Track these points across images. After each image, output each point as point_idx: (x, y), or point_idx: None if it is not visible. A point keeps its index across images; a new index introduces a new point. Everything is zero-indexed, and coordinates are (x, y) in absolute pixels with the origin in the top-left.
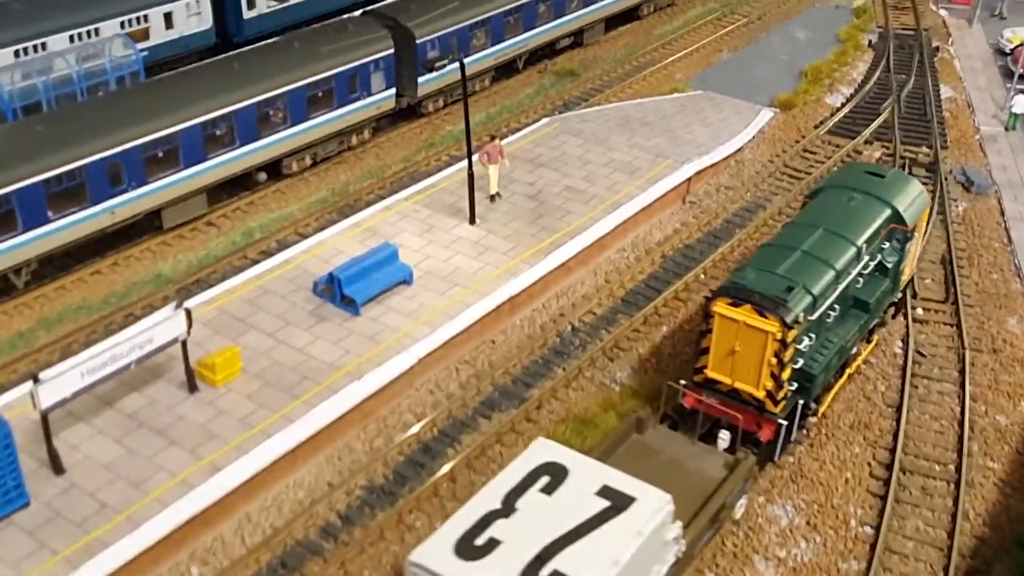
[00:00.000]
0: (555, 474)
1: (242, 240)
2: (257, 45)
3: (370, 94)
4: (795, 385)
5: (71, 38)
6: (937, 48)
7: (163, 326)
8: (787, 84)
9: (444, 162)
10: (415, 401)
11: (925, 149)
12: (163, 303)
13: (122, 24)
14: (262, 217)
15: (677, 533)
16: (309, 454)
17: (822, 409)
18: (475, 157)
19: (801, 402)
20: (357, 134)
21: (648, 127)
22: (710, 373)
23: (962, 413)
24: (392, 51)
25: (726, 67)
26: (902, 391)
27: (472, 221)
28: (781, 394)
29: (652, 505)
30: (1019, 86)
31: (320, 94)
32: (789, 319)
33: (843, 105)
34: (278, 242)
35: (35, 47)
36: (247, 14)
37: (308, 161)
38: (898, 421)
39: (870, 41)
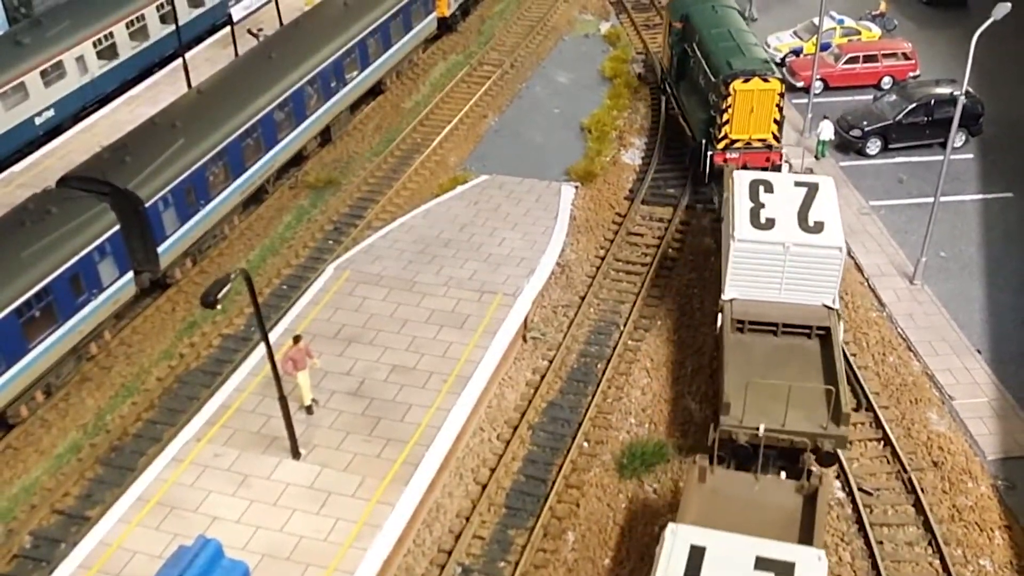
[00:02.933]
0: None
1: None
2: None
3: (101, 290)
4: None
5: None
6: None
7: None
8: (573, 146)
9: (219, 349)
10: None
11: None
12: None
13: None
14: None
15: None
16: None
17: None
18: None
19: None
20: (96, 341)
21: (452, 248)
22: (733, 135)
23: (945, 568)
24: (117, 227)
25: (499, 137)
26: (871, 555)
27: (296, 454)
28: (780, 131)
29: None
30: (815, 100)
31: (36, 315)
32: (781, 78)
33: (645, 163)
34: (33, 537)
35: None
36: None
37: (41, 398)
38: None
39: (639, 74)
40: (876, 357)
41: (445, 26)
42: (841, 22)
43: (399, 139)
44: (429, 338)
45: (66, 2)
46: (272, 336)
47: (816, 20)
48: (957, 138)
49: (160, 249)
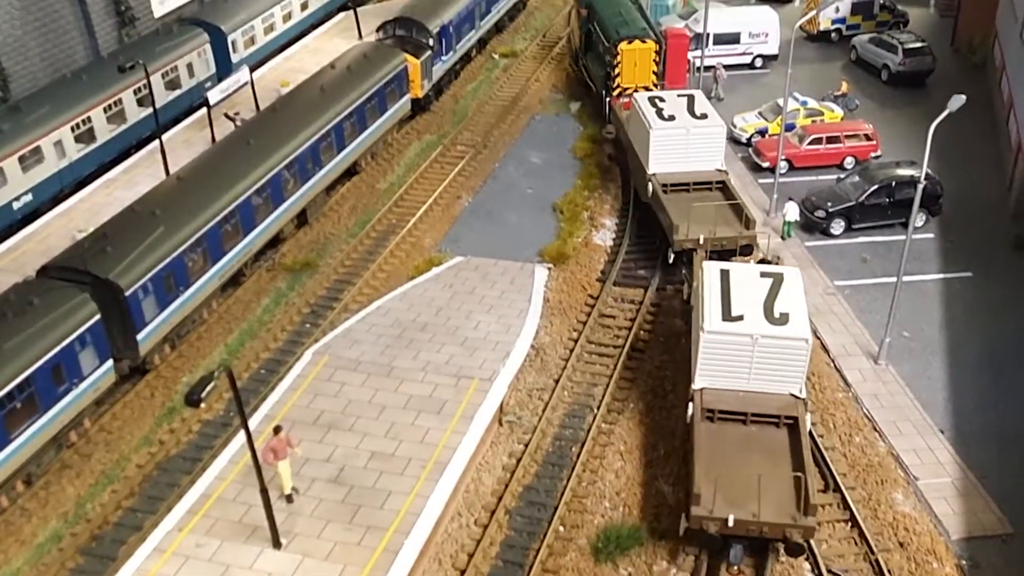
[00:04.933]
0: None
1: None
2: None
3: (81, 380)
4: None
5: None
6: None
7: None
8: (546, 227)
9: (199, 435)
10: None
11: None
12: None
13: None
14: None
15: None
16: None
17: None
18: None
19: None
20: (75, 428)
21: (428, 332)
22: (623, 84)
23: None
24: (98, 316)
25: (473, 218)
26: None
27: (277, 544)
28: (659, 79)
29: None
30: (780, 180)
31: (18, 406)
32: (656, 39)
33: (616, 244)
34: None
35: None
36: None
37: (21, 487)
38: None
39: (609, 155)
40: (843, 438)
41: (419, 106)
42: (805, 103)
43: (374, 220)
44: (407, 424)
45: (45, 87)
46: (252, 423)
47: (780, 101)
48: (918, 218)
49: (139, 337)
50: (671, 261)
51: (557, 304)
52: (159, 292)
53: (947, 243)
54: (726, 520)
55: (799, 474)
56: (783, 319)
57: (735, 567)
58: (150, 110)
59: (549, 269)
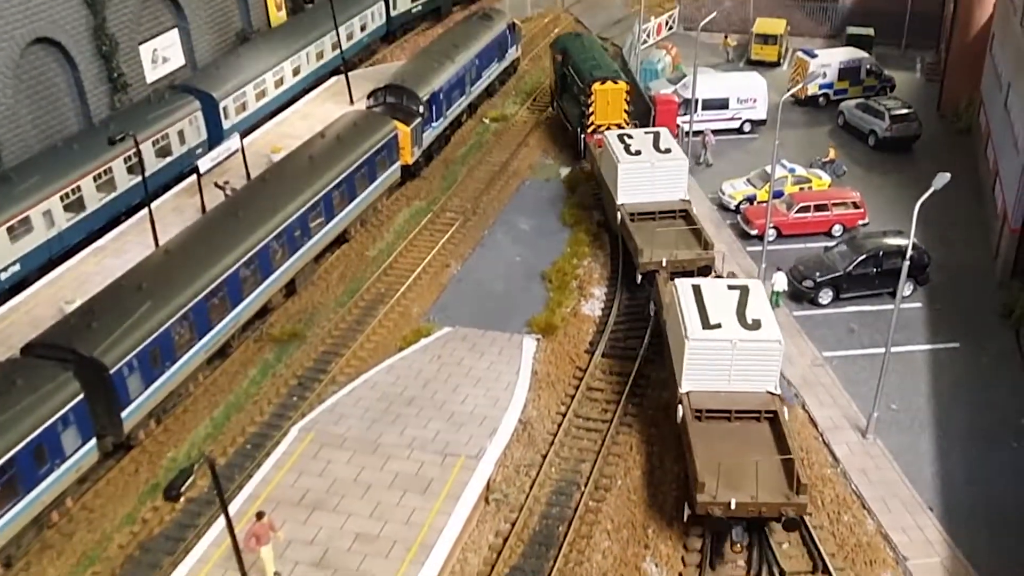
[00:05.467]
0: None
1: None
2: None
3: (64, 459)
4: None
5: None
6: None
7: None
8: (535, 296)
9: (182, 513)
10: None
11: None
12: None
13: None
14: None
15: None
16: None
17: None
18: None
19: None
20: (57, 508)
21: (415, 406)
22: (597, 121)
23: None
24: (81, 396)
25: (462, 286)
26: None
27: None
28: (630, 117)
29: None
30: (768, 247)
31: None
32: (627, 81)
33: (605, 314)
34: None
35: None
36: None
37: (1, 570)
38: None
39: (599, 221)
40: (831, 516)
41: (409, 172)
42: (793, 171)
43: (363, 289)
44: (393, 504)
45: (35, 156)
46: (236, 502)
47: (768, 168)
48: (905, 288)
49: (124, 414)
50: (638, 282)
51: (545, 376)
52: (145, 368)
53: (934, 312)
54: (729, 504)
55: (789, 457)
56: (756, 324)
57: (738, 544)
58: (140, 178)
59: (537, 340)
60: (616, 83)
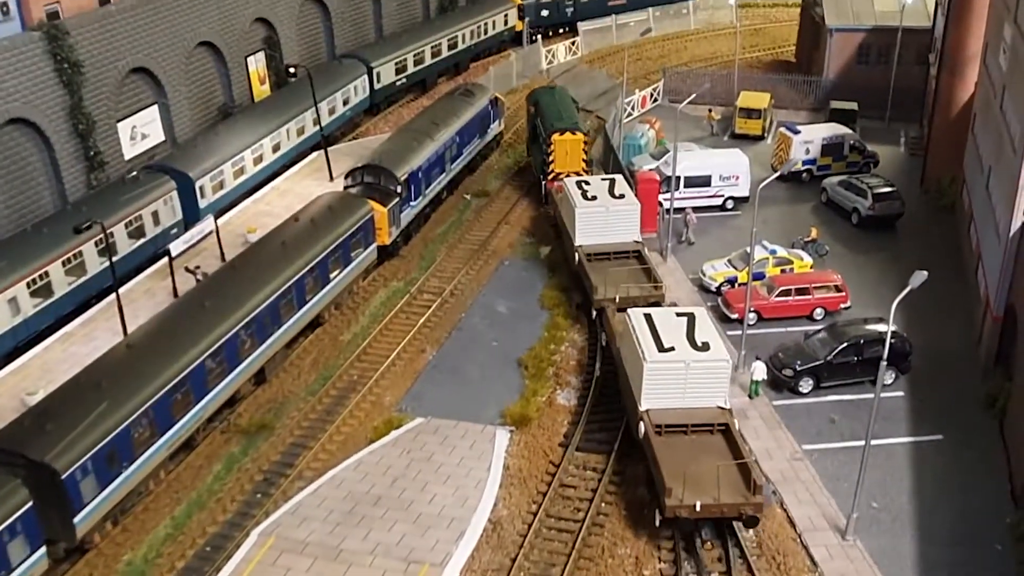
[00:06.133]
0: None
1: None
2: None
3: (10, 572)
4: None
5: None
6: None
7: None
8: (510, 383)
9: None
10: None
11: None
12: None
13: None
14: None
15: None
16: None
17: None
18: None
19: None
20: None
21: (381, 507)
22: (556, 169)
23: None
24: (30, 504)
25: (436, 372)
26: None
27: None
28: (588, 166)
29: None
30: (748, 332)
31: None
32: (585, 131)
33: (580, 404)
34: None
35: None
36: None
37: None
38: None
39: (578, 303)
40: None
41: (386, 253)
42: (774, 252)
43: (335, 376)
44: None
45: (2, 241)
46: None
47: (749, 249)
48: (886, 376)
49: (77, 519)
50: (594, 317)
51: (517, 472)
52: (100, 470)
53: (917, 402)
54: (694, 506)
55: (744, 461)
56: (705, 346)
57: (708, 542)
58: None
59: (511, 432)
60: (574, 134)
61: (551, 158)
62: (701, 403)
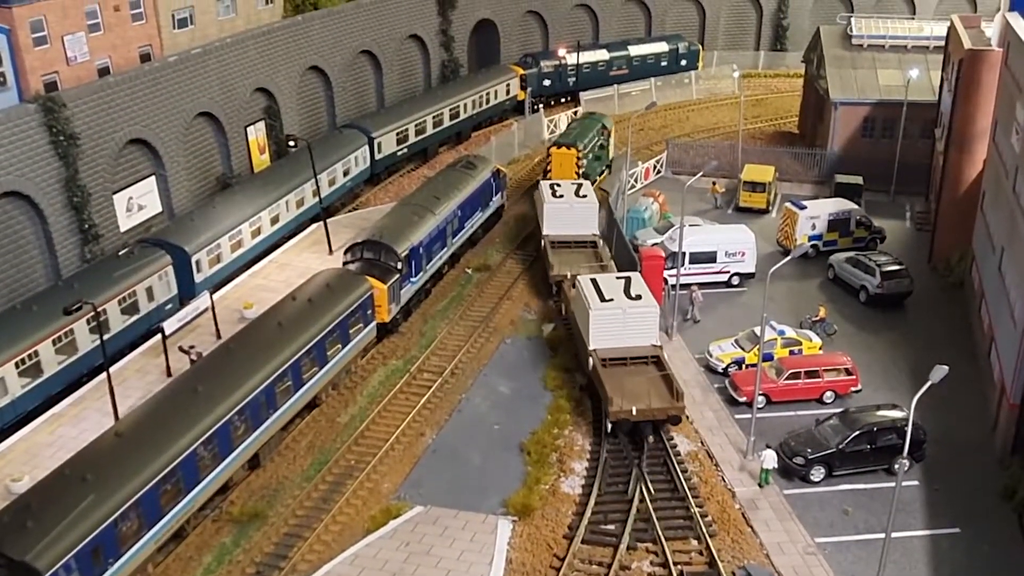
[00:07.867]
0: None
1: None
2: None
3: None
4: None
5: None
6: None
7: None
8: (512, 469)
9: None
10: None
11: (695, 544)
12: None
13: None
14: None
15: None
16: None
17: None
18: None
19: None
20: None
21: None
22: (552, 177)
23: None
24: None
25: (436, 458)
26: None
27: None
28: (579, 176)
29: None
30: (757, 415)
31: None
32: (579, 148)
33: (585, 493)
34: None
35: None
36: None
37: None
38: None
39: (581, 385)
40: None
41: (386, 330)
42: (782, 332)
43: (332, 461)
44: None
45: None
46: None
47: (757, 330)
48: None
49: None
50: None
51: (520, 566)
52: (84, 568)
53: (933, 493)
54: (631, 411)
55: (668, 374)
56: (639, 298)
57: (650, 437)
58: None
59: (513, 523)
60: (569, 149)
61: (549, 167)
62: (637, 342)
